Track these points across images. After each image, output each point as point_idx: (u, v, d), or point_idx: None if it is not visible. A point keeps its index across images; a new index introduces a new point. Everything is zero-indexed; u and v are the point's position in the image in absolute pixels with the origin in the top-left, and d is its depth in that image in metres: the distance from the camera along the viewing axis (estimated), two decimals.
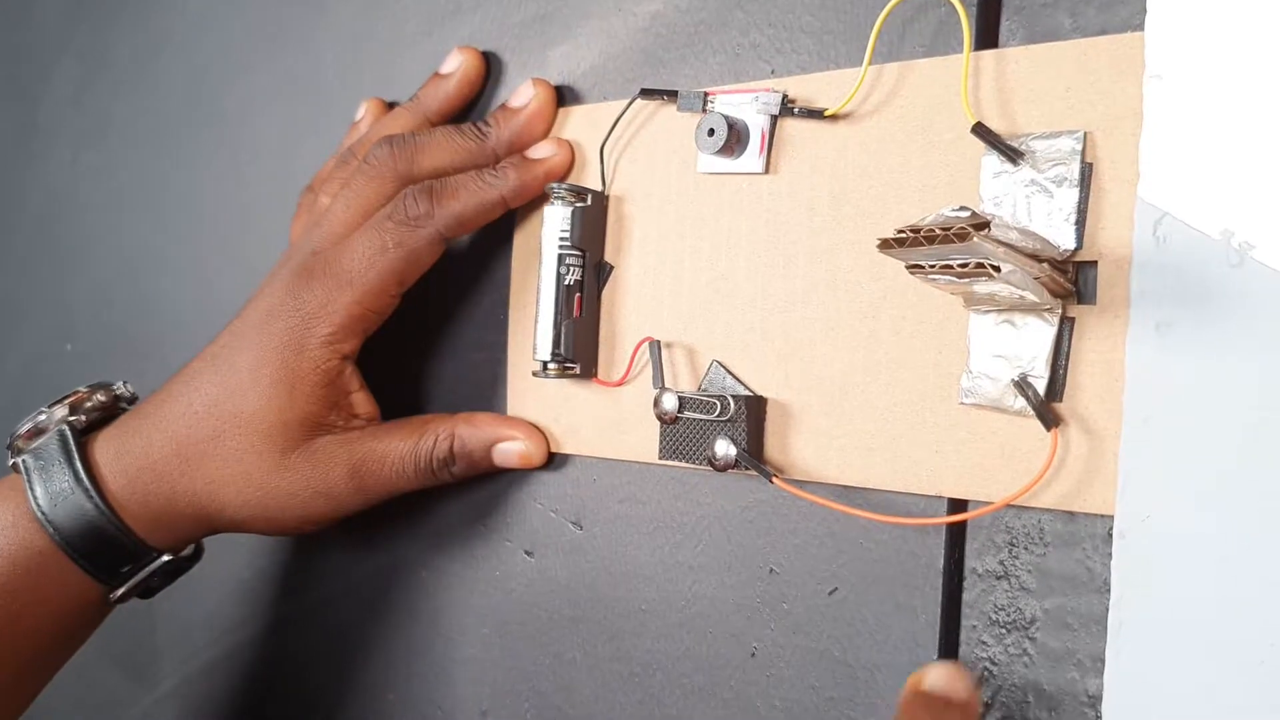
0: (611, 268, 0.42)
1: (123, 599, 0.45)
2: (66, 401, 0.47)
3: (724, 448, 0.37)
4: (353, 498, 0.44)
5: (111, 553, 0.44)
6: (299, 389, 0.43)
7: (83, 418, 0.46)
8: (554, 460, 0.44)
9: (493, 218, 0.44)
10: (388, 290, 0.44)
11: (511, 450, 0.44)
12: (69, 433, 0.44)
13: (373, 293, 0.43)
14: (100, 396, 0.48)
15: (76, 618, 0.45)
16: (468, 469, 0.45)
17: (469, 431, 0.44)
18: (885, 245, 0.28)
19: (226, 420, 0.43)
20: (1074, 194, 0.32)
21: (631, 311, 0.42)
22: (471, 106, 0.48)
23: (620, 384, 0.42)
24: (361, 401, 0.46)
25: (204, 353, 0.45)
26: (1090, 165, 0.32)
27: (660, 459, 0.39)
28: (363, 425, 0.45)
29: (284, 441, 0.43)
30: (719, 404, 0.37)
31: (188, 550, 0.47)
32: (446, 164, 0.44)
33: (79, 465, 0.43)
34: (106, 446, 0.44)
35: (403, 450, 0.44)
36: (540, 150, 0.44)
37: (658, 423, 0.39)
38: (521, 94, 0.45)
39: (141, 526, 0.44)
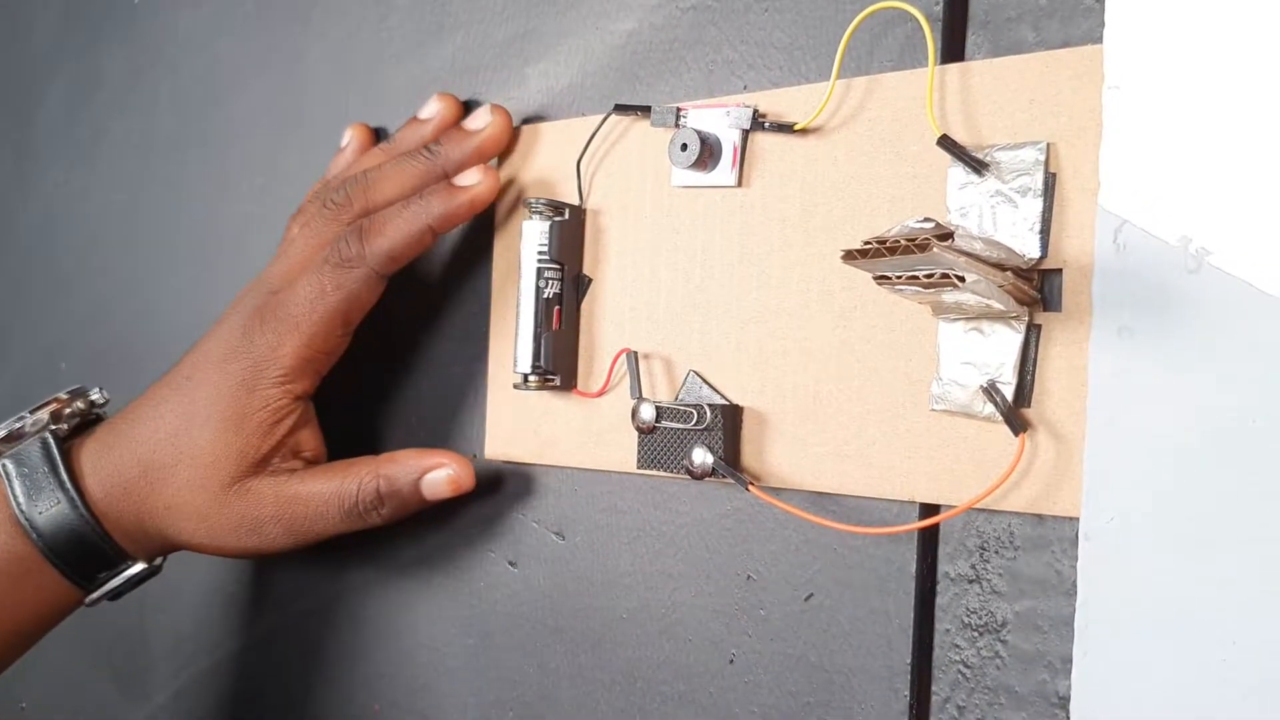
0: (590, 280, 0.43)
1: (95, 602, 0.47)
2: (47, 409, 0.48)
3: (701, 456, 0.38)
4: (281, 538, 0.45)
5: (92, 559, 0.45)
6: (247, 425, 0.44)
7: (64, 426, 0.48)
8: (536, 471, 0.45)
9: (424, 247, 0.45)
10: (333, 331, 0.45)
11: (440, 477, 0.44)
12: (52, 440, 0.46)
13: (320, 335, 0.45)
14: (79, 404, 0.49)
15: (51, 619, 0.47)
16: (398, 508, 0.45)
17: (394, 469, 0.44)
18: (849, 257, 0.29)
19: (183, 451, 0.45)
20: (1038, 204, 0.33)
21: (610, 323, 0.42)
22: None
23: (599, 395, 0.42)
24: (308, 439, 0.47)
25: (169, 378, 0.47)
26: (1054, 175, 0.33)
27: (639, 468, 0.39)
28: (300, 466, 0.46)
29: (225, 477, 0.44)
30: (696, 413, 0.38)
31: (159, 560, 0.48)
32: (401, 192, 0.45)
33: (64, 474, 0.45)
34: (86, 457, 0.46)
35: (326, 493, 0.45)
36: (466, 178, 0.44)
37: (636, 433, 0.39)
38: (479, 118, 0.46)
39: (119, 535, 0.45)
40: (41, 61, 0.76)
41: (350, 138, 0.52)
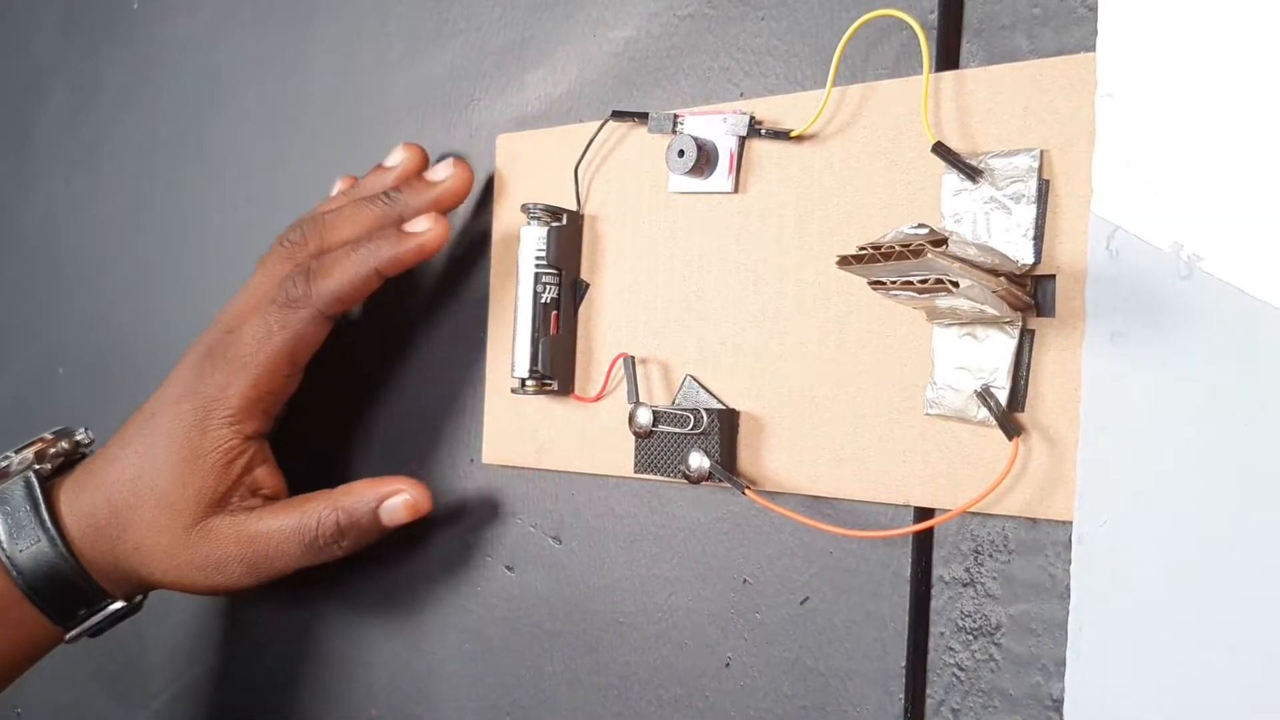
0: (587, 285, 0.43)
1: (75, 639, 0.48)
2: (32, 448, 0.49)
3: (698, 460, 0.38)
4: (245, 577, 0.46)
5: (71, 597, 0.46)
6: (201, 466, 0.45)
7: (48, 466, 0.49)
8: (534, 476, 0.45)
9: (371, 289, 0.45)
10: (280, 371, 0.46)
11: (397, 503, 0.45)
12: (35, 480, 0.47)
13: (266, 376, 0.45)
14: (64, 444, 0.50)
15: (30, 655, 0.48)
16: (358, 538, 0.45)
17: (350, 500, 0.45)
18: (844, 262, 0.29)
19: (145, 493, 0.46)
20: (1031, 210, 0.33)
21: (607, 328, 0.43)
22: None
23: (597, 399, 0.42)
24: (265, 477, 0.47)
25: (136, 416, 0.47)
26: (1047, 182, 0.33)
27: (636, 472, 0.40)
28: (259, 504, 0.46)
29: (186, 519, 0.45)
30: (692, 418, 0.38)
31: (138, 598, 0.49)
32: (356, 235, 0.46)
33: (45, 514, 0.46)
34: (64, 497, 0.47)
35: (285, 530, 0.45)
36: (416, 225, 0.45)
37: (633, 437, 0.39)
38: (440, 170, 0.46)
39: (97, 574, 0.46)
40: (42, 66, 0.76)
41: (339, 189, 0.52)
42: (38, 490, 0.46)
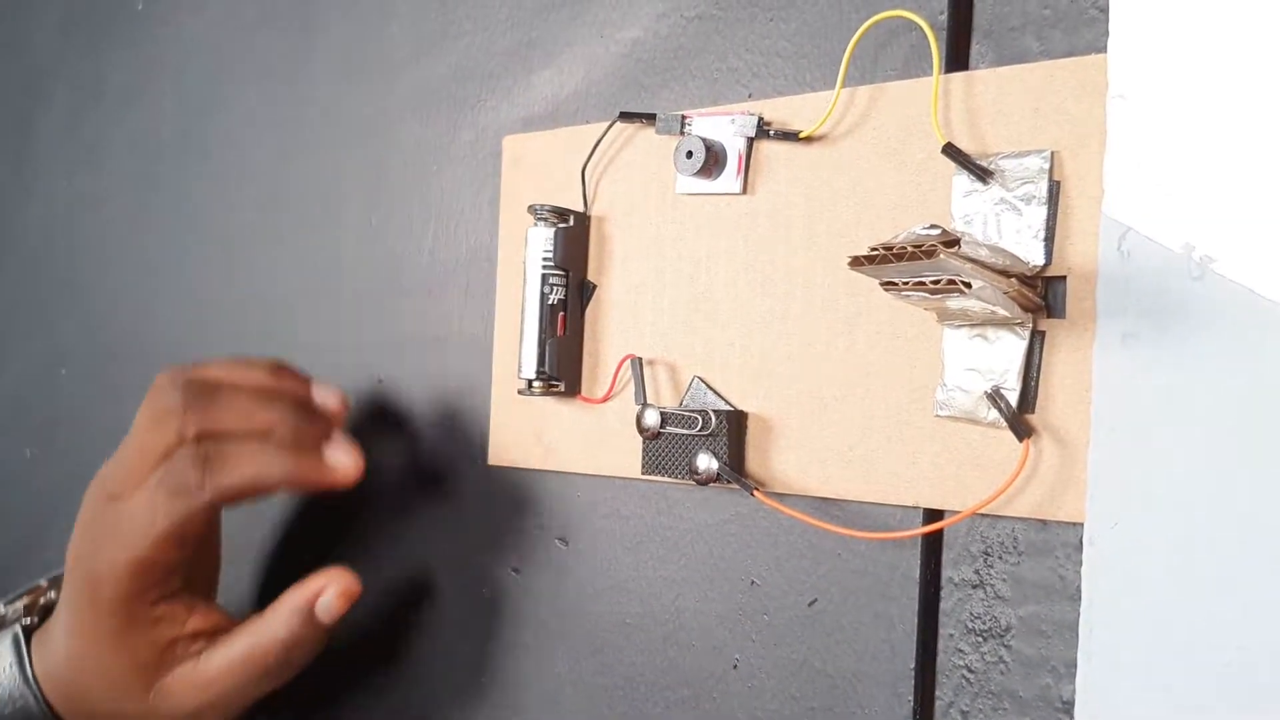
0: (594, 287, 0.43)
1: None
2: (23, 600, 0.49)
3: (705, 462, 0.38)
4: (223, 712, 0.45)
5: None
6: (125, 641, 0.44)
7: (35, 619, 0.48)
8: (540, 477, 0.45)
9: (270, 495, 0.45)
10: (166, 553, 0.44)
11: (329, 599, 0.44)
12: (22, 636, 0.46)
13: (150, 558, 0.43)
14: (53, 594, 0.49)
15: None
16: (312, 645, 0.45)
17: (280, 620, 0.44)
18: (856, 263, 0.29)
19: (92, 670, 0.45)
20: (1042, 211, 0.33)
21: (614, 329, 0.42)
22: None
23: (604, 401, 0.42)
24: (200, 620, 0.46)
25: (64, 582, 0.46)
26: (1058, 183, 0.33)
27: (643, 474, 0.39)
28: (204, 645, 0.45)
29: (138, 689, 0.44)
30: (700, 419, 0.38)
31: None
32: (250, 429, 0.44)
33: (30, 673, 0.45)
34: (38, 657, 0.46)
35: (236, 664, 0.44)
36: (340, 456, 0.44)
37: (640, 438, 0.39)
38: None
39: None
40: (43, 66, 0.76)
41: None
42: (24, 647, 0.46)
